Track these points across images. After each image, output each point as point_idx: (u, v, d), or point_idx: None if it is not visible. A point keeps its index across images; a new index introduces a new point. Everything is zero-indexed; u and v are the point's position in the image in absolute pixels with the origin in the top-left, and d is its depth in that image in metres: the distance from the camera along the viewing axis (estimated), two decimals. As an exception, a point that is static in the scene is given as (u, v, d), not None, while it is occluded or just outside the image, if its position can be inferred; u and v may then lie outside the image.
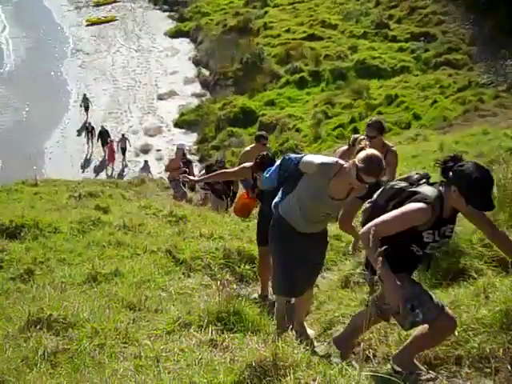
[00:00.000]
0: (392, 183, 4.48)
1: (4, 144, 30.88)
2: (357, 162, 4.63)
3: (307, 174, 5.08)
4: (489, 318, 4.59)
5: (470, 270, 5.78)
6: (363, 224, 4.37)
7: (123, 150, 30.75)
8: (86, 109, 34.80)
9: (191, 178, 9.24)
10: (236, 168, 7.49)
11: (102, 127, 31.66)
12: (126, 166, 30.73)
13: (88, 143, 31.99)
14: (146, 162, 28.95)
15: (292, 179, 5.21)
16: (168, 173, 16.66)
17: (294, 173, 5.16)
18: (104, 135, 30.88)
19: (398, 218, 4.07)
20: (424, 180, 4.31)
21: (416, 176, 4.37)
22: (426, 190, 4.13)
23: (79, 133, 33.64)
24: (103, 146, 31.03)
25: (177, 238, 7.93)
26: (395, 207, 4.19)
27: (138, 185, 17.65)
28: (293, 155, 5.28)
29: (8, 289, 6.49)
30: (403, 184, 4.36)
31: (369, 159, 4.61)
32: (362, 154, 4.66)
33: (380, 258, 3.81)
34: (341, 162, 4.98)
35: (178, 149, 16.83)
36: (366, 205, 4.67)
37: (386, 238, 4.01)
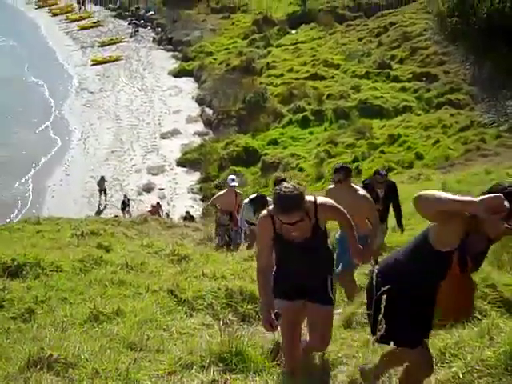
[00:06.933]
0: None
1: (5, 180, 31.08)
2: None
3: None
4: (493, 359, 4.55)
5: (474, 311, 5.73)
6: None
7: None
8: (104, 192, 31.50)
9: None
10: None
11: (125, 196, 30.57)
12: None
13: (124, 214, 29.08)
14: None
15: None
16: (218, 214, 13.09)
17: None
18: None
19: None
20: None
21: None
22: None
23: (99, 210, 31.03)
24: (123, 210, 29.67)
25: (179, 278, 7.89)
26: None
27: (140, 223, 17.63)
28: None
29: (9, 328, 6.45)
30: None
31: None
32: None
33: None
34: None
35: (229, 185, 12.96)
36: None
37: None
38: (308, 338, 5.25)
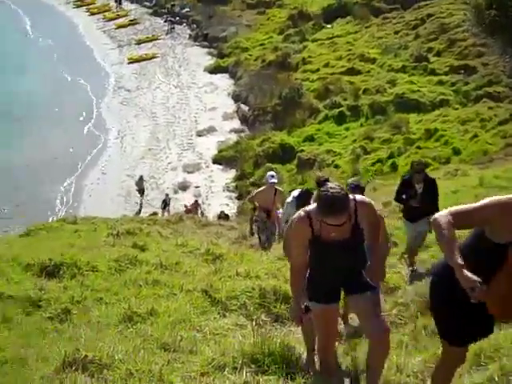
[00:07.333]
0: None
1: (43, 180, 31.71)
2: None
3: None
4: (529, 362, 4.48)
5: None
6: None
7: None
8: (142, 192, 31.40)
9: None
10: None
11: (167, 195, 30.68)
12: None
13: (163, 213, 28.99)
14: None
15: None
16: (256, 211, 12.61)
17: None
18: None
19: None
20: None
21: None
22: None
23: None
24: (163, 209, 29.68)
25: (213, 277, 7.92)
26: None
27: (176, 222, 17.72)
28: None
29: (46, 328, 6.55)
30: None
31: None
32: None
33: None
34: None
35: (269, 182, 12.35)
36: None
37: None
38: (366, 336, 5.11)
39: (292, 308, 5.27)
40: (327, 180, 5.25)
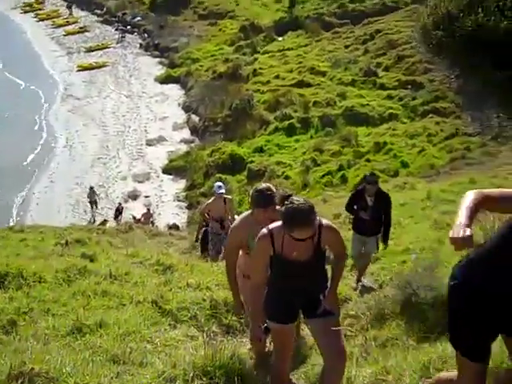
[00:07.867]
0: None
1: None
2: None
3: None
4: (477, 374, 4.52)
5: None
6: None
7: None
8: (94, 204, 30.76)
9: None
10: None
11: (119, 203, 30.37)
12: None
13: (117, 222, 28.23)
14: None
15: None
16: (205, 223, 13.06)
17: None
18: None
19: None
20: None
21: None
22: None
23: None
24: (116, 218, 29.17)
25: (163, 288, 7.83)
26: None
27: (126, 232, 17.54)
28: None
29: (-10, 341, 6.36)
30: None
31: None
32: None
33: None
34: None
35: (217, 193, 12.47)
36: None
37: None
38: (323, 360, 4.99)
39: (252, 329, 5.23)
40: (290, 195, 5.27)
